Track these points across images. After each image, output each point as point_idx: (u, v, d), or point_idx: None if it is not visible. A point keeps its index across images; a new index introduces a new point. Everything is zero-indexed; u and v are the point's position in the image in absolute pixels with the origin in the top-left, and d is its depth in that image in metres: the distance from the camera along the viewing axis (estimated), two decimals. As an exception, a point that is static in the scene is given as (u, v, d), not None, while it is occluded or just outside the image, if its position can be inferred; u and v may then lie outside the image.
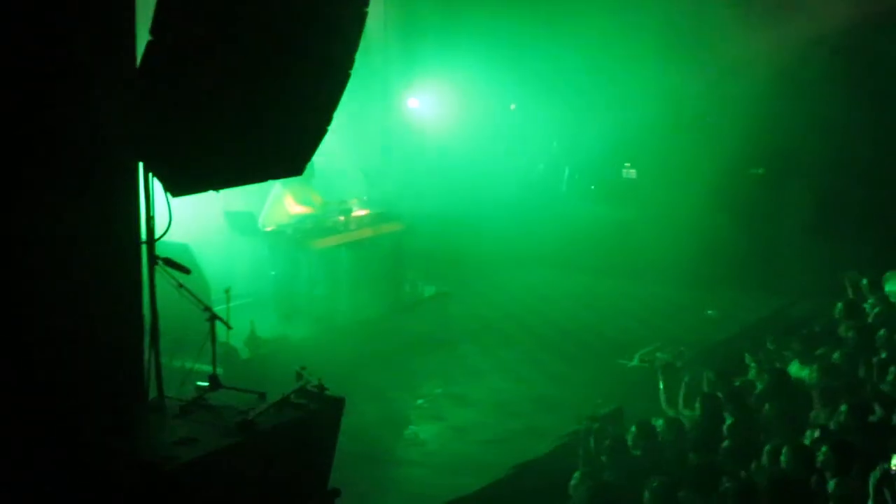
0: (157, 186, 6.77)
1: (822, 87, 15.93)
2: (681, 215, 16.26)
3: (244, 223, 13.13)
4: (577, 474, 8.02)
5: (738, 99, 16.33)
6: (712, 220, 15.99)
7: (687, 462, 8.29)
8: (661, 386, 10.19)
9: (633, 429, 8.80)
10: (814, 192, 16.38)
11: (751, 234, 16.57)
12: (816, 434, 8.27)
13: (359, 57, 7.55)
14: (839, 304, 11.57)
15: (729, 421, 8.88)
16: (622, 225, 17.38)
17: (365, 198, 14.36)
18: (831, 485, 7.44)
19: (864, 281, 12.47)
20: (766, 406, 9.16)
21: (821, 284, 14.28)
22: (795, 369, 10.40)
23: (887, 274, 12.56)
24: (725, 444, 8.39)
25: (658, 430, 9.00)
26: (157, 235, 6.87)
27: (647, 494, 7.53)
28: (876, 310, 11.50)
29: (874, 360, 9.97)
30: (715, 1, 16.68)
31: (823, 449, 7.68)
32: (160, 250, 6.94)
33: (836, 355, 10.11)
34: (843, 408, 8.56)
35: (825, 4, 15.58)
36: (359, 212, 13.91)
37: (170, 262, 6.96)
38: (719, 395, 9.45)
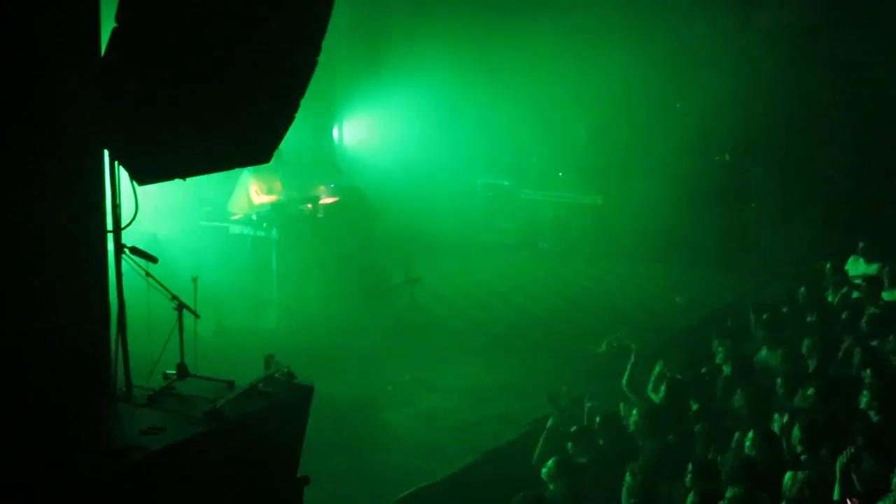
0: (123, 175, 6.74)
1: (787, 71, 16.04)
2: (648, 202, 16.35)
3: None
4: (550, 463, 8.03)
5: (704, 85, 16.41)
6: (679, 207, 16.06)
7: (651, 447, 8.33)
8: (627, 372, 10.24)
9: (598, 419, 8.88)
10: (779, 178, 16.50)
11: (717, 220, 16.68)
12: (785, 419, 8.34)
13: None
14: (802, 289, 11.68)
15: (695, 407, 8.95)
16: (590, 211, 17.45)
17: (332, 185, 14.35)
18: (800, 475, 7.51)
19: (828, 265, 12.59)
20: (733, 391, 9.22)
21: (787, 269, 14.39)
22: (764, 354, 10.48)
23: (850, 258, 12.70)
24: (696, 428, 8.45)
25: (623, 417, 9.07)
26: (123, 224, 6.84)
27: (628, 478, 7.59)
28: (840, 293, 11.62)
29: (841, 344, 10.08)
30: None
31: (795, 430, 7.76)
32: (127, 239, 6.91)
33: (805, 342, 10.18)
34: (809, 391, 8.65)
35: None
36: (326, 199, 13.90)
37: (136, 251, 6.94)
38: (683, 379, 9.52)
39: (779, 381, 9.28)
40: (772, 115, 16.37)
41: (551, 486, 7.86)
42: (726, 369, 9.86)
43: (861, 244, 12.77)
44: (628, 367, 10.26)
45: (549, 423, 9.34)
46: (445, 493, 9.34)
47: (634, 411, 8.98)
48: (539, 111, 18.05)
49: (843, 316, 10.84)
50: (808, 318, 11.06)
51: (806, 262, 13.19)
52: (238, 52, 6.85)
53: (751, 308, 11.45)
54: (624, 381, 10.14)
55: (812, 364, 9.85)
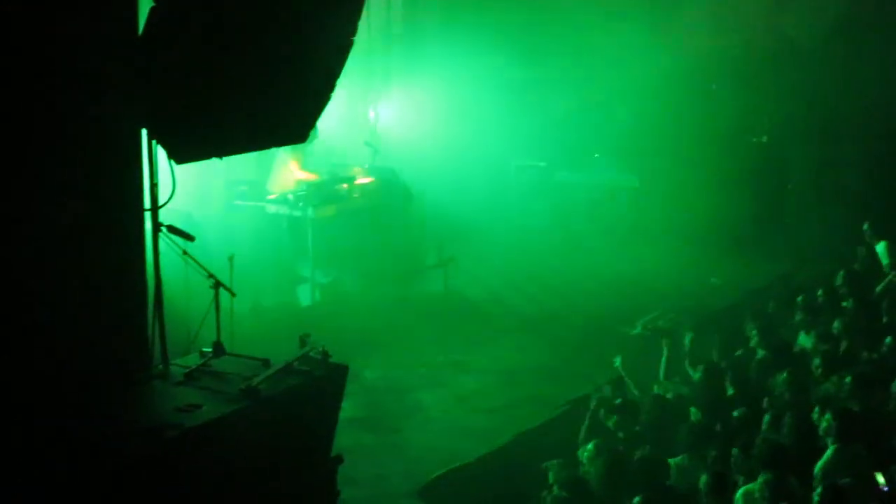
0: (160, 154, 6.77)
1: (824, 53, 15.89)
2: (684, 184, 16.25)
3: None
4: (590, 446, 8.03)
5: (742, 66, 16.27)
6: (715, 189, 15.95)
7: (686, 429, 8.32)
8: (664, 352, 10.21)
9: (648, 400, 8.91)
10: (816, 160, 16.37)
11: (753, 202, 16.55)
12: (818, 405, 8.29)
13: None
14: (840, 273, 11.57)
15: (731, 391, 8.92)
16: (625, 193, 17.37)
17: (367, 165, 14.36)
18: (829, 452, 7.47)
19: (864, 249, 12.49)
20: (768, 375, 9.18)
21: (824, 251, 14.28)
22: (802, 338, 10.41)
23: (882, 243, 12.56)
24: (735, 413, 8.42)
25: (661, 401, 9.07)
26: (160, 203, 6.87)
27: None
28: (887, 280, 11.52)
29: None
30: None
31: (827, 416, 7.70)
32: (163, 218, 6.94)
33: (836, 324, 10.12)
34: (847, 379, 8.57)
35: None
36: (362, 179, 13.91)
37: (173, 230, 6.97)
38: (721, 363, 9.48)
39: (816, 361, 9.22)
40: (809, 97, 16.21)
41: (589, 468, 7.86)
42: (760, 352, 9.81)
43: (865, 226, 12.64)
44: (663, 361, 10.21)
45: (592, 404, 9.31)
46: (479, 474, 9.37)
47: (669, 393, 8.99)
48: (578, 92, 17.95)
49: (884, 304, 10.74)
50: (844, 304, 10.96)
51: (842, 245, 13.04)
52: (274, 31, 6.86)
53: (786, 291, 11.37)
54: (661, 376, 10.11)
55: (844, 346, 9.76)
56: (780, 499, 6.93)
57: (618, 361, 10.18)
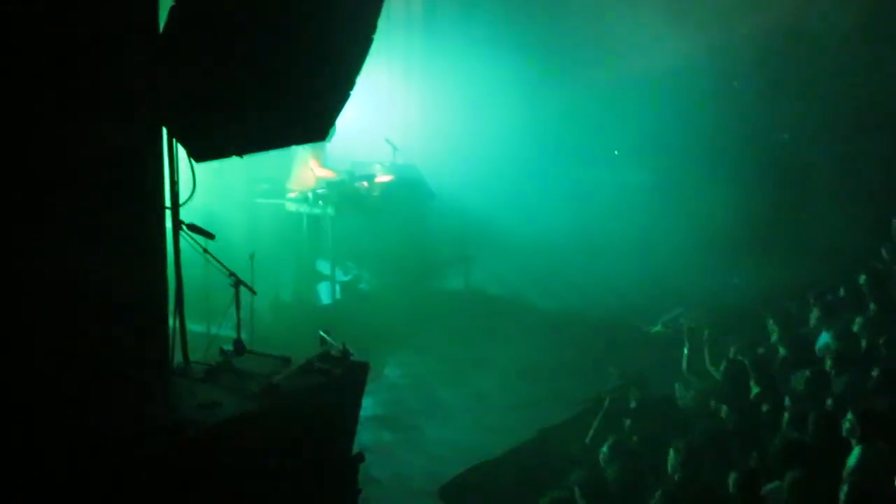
0: (181, 152, 6.79)
1: (844, 50, 15.78)
2: (704, 181, 16.18)
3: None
4: (605, 448, 8.02)
5: (763, 65, 16.18)
6: (736, 187, 15.88)
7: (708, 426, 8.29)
8: (686, 350, 10.18)
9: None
10: (839, 159, 16.26)
11: (775, 201, 16.47)
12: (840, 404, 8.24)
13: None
14: (863, 275, 11.48)
15: (755, 390, 8.87)
16: (645, 191, 17.29)
17: (387, 163, 14.35)
18: (855, 452, 7.43)
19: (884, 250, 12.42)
20: (790, 373, 9.14)
21: (847, 249, 14.19)
22: (822, 337, 10.35)
23: None
24: (764, 408, 8.38)
25: (680, 398, 9.03)
26: (181, 201, 6.89)
27: (671, 454, 7.56)
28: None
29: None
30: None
31: (849, 416, 7.66)
32: (184, 216, 6.96)
33: (856, 322, 10.05)
34: (873, 373, 8.52)
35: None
36: (382, 177, 13.90)
37: (194, 228, 6.99)
38: (744, 361, 9.44)
39: (833, 359, 9.17)
40: (832, 97, 16.10)
41: (607, 470, 7.84)
42: (782, 350, 9.76)
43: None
44: (685, 353, 10.19)
45: (606, 403, 9.30)
46: (500, 471, 9.36)
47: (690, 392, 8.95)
48: (597, 88, 17.86)
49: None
50: (867, 302, 10.88)
51: (864, 245, 12.96)
52: (293, 30, 6.86)
53: (808, 291, 11.31)
54: (684, 367, 10.08)
55: (864, 344, 9.70)
56: (807, 497, 6.89)
57: (633, 363, 10.16)
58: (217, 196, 11.50)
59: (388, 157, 14.53)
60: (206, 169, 6.98)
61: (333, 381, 6.95)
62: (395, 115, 16.82)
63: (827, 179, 16.33)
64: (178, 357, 7.00)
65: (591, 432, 9.03)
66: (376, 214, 13.50)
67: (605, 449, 7.97)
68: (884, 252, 12.48)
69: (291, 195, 13.18)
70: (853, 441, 7.54)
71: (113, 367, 6.34)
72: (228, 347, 7.14)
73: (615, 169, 17.64)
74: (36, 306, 5.95)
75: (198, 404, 6.37)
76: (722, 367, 9.39)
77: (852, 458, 7.39)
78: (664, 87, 16.96)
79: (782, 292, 13.14)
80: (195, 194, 7.00)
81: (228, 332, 7.36)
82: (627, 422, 8.62)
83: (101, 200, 6.27)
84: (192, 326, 7.10)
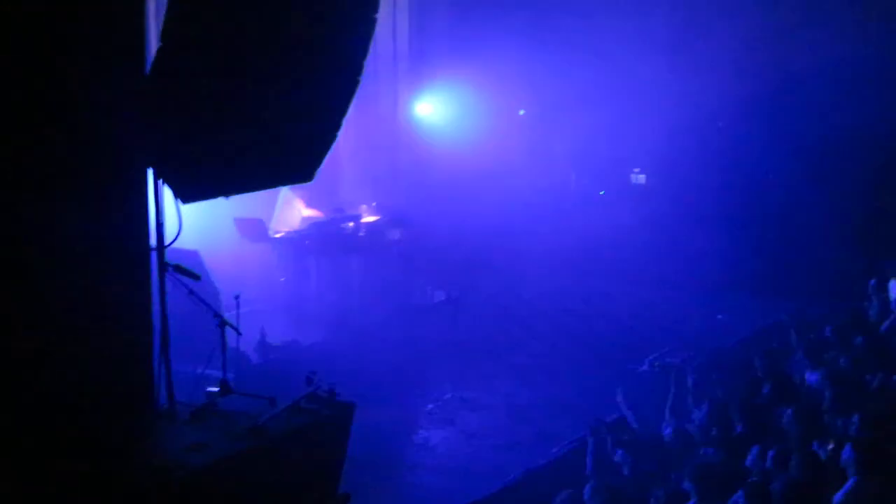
0: (167, 193, 6.79)
1: (835, 95, 15.86)
2: (691, 219, 16.24)
3: (254, 230, 13.16)
4: (588, 487, 8.00)
5: (750, 102, 16.28)
6: (722, 225, 15.94)
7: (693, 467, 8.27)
8: (672, 391, 10.18)
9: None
10: (826, 197, 16.32)
11: (762, 238, 16.53)
12: (830, 444, 8.23)
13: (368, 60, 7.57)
14: (849, 311, 11.50)
15: (738, 429, 8.87)
16: (631, 229, 17.32)
17: (374, 203, 14.39)
18: (850, 484, 7.42)
19: (872, 282, 12.44)
20: (775, 411, 9.13)
21: (832, 288, 14.23)
22: (808, 375, 10.35)
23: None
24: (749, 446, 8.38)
25: (666, 438, 9.02)
26: (167, 242, 6.89)
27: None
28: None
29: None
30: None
31: (846, 448, 7.65)
32: (170, 257, 6.96)
33: (842, 361, 10.07)
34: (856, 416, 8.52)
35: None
36: (368, 217, 13.94)
37: (180, 269, 6.99)
38: (725, 399, 9.44)
39: (825, 396, 9.16)
40: (822, 136, 16.16)
41: None
42: (767, 388, 9.76)
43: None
44: (670, 397, 10.18)
45: (590, 446, 9.27)
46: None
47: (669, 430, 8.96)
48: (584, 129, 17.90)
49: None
50: (855, 341, 10.89)
51: (850, 280, 13.00)
52: (280, 73, 6.90)
53: (793, 328, 11.33)
54: (668, 408, 10.07)
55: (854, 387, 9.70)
56: None
57: (619, 397, 10.16)
58: (204, 236, 11.50)
59: (372, 198, 14.58)
60: (192, 208, 6.98)
61: (320, 422, 6.92)
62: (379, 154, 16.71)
63: (814, 219, 16.39)
64: (163, 398, 6.97)
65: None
66: (362, 255, 13.52)
67: (588, 488, 7.96)
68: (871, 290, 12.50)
69: (277, 235, 13.19)
70: (849, 473, 7.55)
71: (97, 408, 6.31)
72: (214, 388, 7.11)
73: (601, 208, 17.70)
74: (19, 345, 5.93)
75: (184, 446, 6.34)
76: (704, 408, 9.38)
77: (845, 491, 7.38)
78: (649, 122, 17.02)
79: (769, 330, 13.17)
80: (181, 235, 6.99)
81: (214, 372, 7.33)
82: (618, 452, 8.61)
83: (86, 240, 6.25)
84: (178, 366, 7.07)
